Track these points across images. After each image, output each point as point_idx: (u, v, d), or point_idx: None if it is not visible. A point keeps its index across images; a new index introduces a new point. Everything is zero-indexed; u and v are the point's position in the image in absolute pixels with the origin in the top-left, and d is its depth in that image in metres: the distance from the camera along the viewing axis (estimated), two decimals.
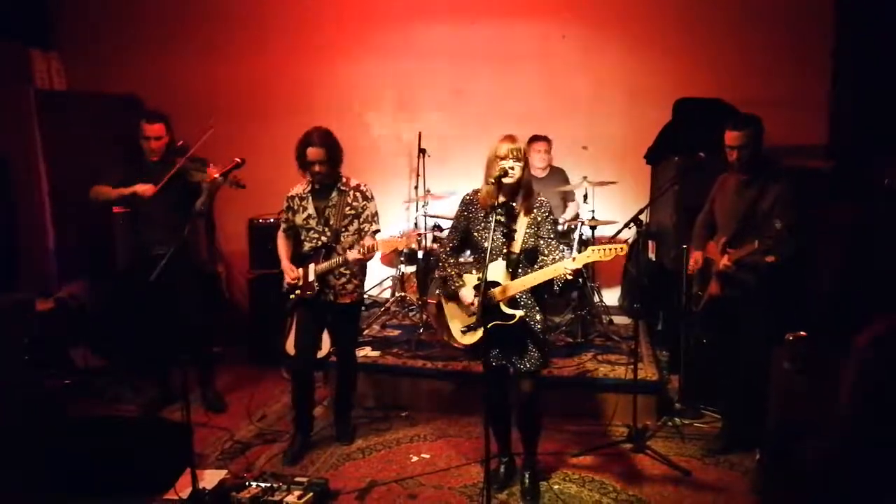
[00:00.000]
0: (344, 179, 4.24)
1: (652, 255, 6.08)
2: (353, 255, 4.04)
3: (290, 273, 4.23)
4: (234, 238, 5.71)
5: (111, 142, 6.52)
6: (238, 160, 4.05)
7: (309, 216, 4.22)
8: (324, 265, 4.17)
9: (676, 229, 5.28)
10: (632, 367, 4.52)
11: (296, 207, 4.27)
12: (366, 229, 4.23)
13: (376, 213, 4.30)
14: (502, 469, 3.99)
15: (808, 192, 3.96)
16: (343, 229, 4.21)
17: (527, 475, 3.87)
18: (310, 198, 4.24)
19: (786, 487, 2.54)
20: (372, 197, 4.30)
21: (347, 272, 4.26)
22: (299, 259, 4.30)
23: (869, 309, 4.15)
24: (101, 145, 6.41)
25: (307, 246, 4.26)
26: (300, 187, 4.29)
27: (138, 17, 7.17)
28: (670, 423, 4.69)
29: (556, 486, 3.95)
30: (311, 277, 4.20)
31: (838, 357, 3.17)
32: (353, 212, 4.22)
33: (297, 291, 4.25)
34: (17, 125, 6.01)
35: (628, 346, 5.19)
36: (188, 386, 3.80)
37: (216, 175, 4.15)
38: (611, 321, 6.08)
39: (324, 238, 4.21)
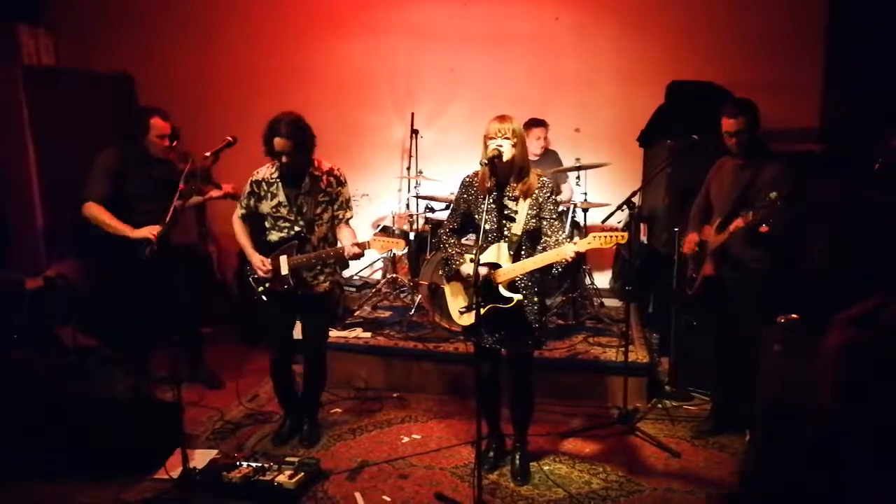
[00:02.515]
0: (315, 163, 3.99)
1: (644, 238, 6.09)
2: (350, 251, 3.82)
3: (263, 266, 3.94)
4: (226, 219, 5.66)
5: (101, 120, 6.50)
6: (230, 139, 3.98)
7: (279, 204, 3.95)
8: (300, 259, 3.92)
9: (668, 212, 5.28)
10: (622, 349, 4.55)
11: (262, 194, 3.98)
12: (340, 216, 4.03)
13: (349, 200, 4.09)
14: (493, 450, 4.00)
15: (799, 175, 3.96)
16: (317, 218, 3.97)
17: (517, 456, 3.89)
18: (279, 183, 3.95)
19: (776, 468, 2.57)
20: (345, 181, 4.06)
21: (319, 265, 4.03)
22: (263, 248, 4.02)
23: (858, 291, 4.18)
24: (91, 123, 6.37)
25: (276, 235, 4.00)
26: (266, 170, 4.01)
27: None
28: (660, 405, 4.72)
29: (546, 467, 3.98)
30: (285, 271, 3.93)
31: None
32: (326, 198, 3.98)
33: (268, 284, 3.99)
34: (4, 102, 5.93)
35: (619, 328, 5.21)
36: (179, 366, 3.79)
37: (207, 154, 4.10)
38: (602, 304, 6.10)
39: (297, 227, 3.95)
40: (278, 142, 3.80)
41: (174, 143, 4.74)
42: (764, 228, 3.66)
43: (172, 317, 4.78)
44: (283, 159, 3.85)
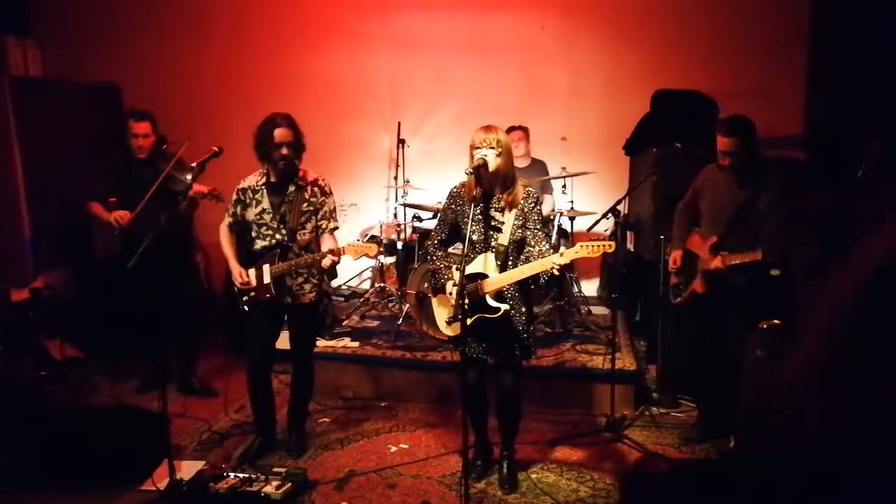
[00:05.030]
0: (301, 173, 4.01)
1: (630, 246, 6.12)
2: (326, 261, 3.81)
3: (240, 277, 3.97)
4: (214, 228, 5.67)
5: (88, 130, 6.49)
6: (215, 149, 3.98)
7: (263, 211, 3.98)
8: (281, 267, 3.92)
9: (654, 220, 5.30)
10: (610, 356, 4.56)
11: (247, 201, 4.02)
12: (323, 226, 4.02)
13: (334, 210, 4.08)
14: (480, 458, 4.01)
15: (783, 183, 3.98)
16: (300, 227, 3.97)
17: (505, 464, 3.89)
18: (264, 191, 3.98)
19: (758, 468, 2.59)
20: (330, 192, 4.07)
21: (304, 272, 4.05)
22: (249, 257, 4.04)
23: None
24: (78, 134, 6.37)
25: (259, 244, 4.01)
26: (253, 179, 4.05)
27: (117, 5, 7.10)
28: (647, 413, 4.73)
29: (533, 475, 3.98)
30: (267, 279, 3.93)
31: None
32: (310, 208, 3.98)
33: (252, 294, 3.99)
34: None
35: (606, 336, 5.22)
36: (166, 375, 3.79)
37: (193, 164, 4.10)
38: (589, 311, 6.12)
39: (278, 236, 3.97)
40: (279, 132, 3.84)
41: (160, 146, 4.87)
42: (775, 272, 3.67)
43: (170, 323, 4.89)
44: (284, 151, 3.86)
